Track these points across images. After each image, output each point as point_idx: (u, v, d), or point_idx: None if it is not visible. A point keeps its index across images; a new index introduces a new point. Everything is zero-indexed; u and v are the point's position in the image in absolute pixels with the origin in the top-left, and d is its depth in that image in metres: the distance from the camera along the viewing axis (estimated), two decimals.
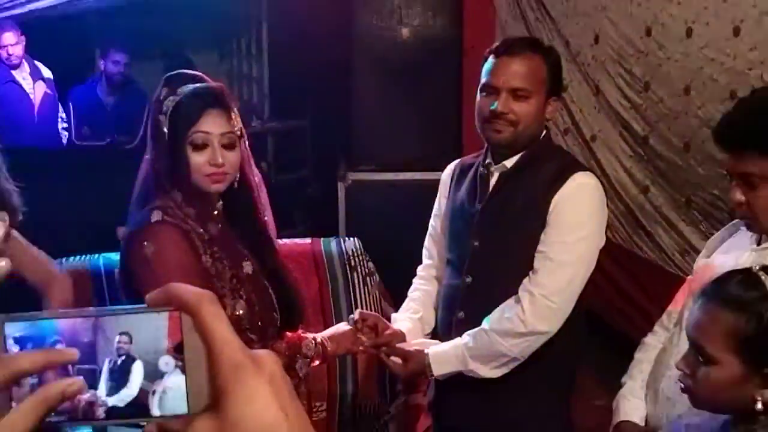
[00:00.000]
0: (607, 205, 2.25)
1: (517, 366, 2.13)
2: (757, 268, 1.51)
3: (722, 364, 1.47)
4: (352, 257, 3.16)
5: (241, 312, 1.85)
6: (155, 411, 0.55)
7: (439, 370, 2.17)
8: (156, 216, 1.82)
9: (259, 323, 1.91)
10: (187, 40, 6.39)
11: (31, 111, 5.20)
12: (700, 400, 1.54)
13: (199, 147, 1.84)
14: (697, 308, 1.53)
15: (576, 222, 2.10)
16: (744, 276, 1.50)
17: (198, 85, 1.88)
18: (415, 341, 2.25)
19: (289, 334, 2.01)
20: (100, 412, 0.54)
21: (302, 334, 2.03)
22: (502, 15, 4.73)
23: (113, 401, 0.55)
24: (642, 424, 2.00)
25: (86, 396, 0.54)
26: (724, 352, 1.46)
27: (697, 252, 2.49)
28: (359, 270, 3.13)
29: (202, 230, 1.86)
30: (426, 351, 2.18)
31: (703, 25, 3.18)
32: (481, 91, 2.18)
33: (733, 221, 2.04)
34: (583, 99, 4.15)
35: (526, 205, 2.14)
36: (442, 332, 2.31)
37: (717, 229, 2.27)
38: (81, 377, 0.54)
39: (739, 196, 1.79)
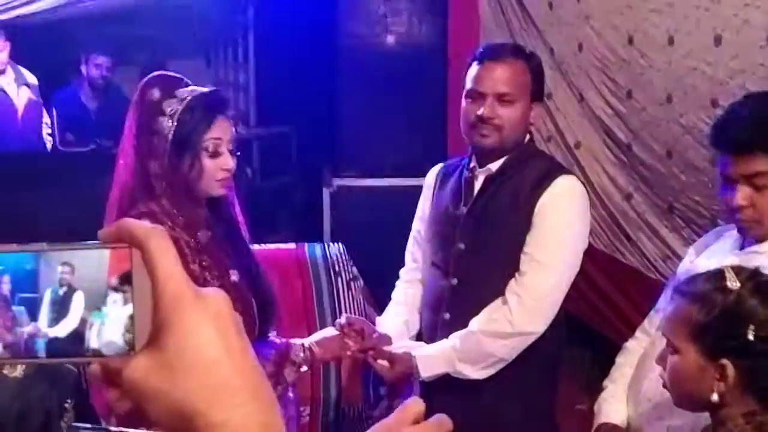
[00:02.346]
0: (590, 212, 2.27)
1: (502, 367, 2.14)
2: (728, 265, 1.55)
3: (683, 354, 1.52)
4: (336, 262, 3.17)
5: None
6: (93, 344, 0.53)
7: (426, 371, 2.17)
8: None
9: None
10: (173, 46, 6.38)
11: (15, 117, 5.17)
12: (672, 393, 1.59)
13: (213, 153, 1.84)
14: (668, 303, 1.61)
15: (561, 223, 2.13)
16: (712, 273, 1.56)
17: (207, 90, 1.87)
18: (401, 343, 2.26)
19: (277, 341, 1.98)
20: (41, 346, 0.53)
21: (290, 341, 2.00)
22: (486, 23, 4.76)
23: (53, 333, 0.53)
24: (623, 426, 2.01)
25: (28, 329, 0.53)
26: (684, 342, 1.52)
27: (679, 258, 2.51)
28: (343, 275, 3.15)
29: (189, 238, 1.84)
30: (413, 353, 2.19)
31: (684, 35, 3.21)
32: (466, 97, 2.19)
33: (717, 227, 2.06)
34: (566, 106, 4.17)
35: (511, 208, 2.16)
36: (427, 334, 2.32)
37: (699, 235, 2.29)
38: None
39: (741, 198, 1.76)
